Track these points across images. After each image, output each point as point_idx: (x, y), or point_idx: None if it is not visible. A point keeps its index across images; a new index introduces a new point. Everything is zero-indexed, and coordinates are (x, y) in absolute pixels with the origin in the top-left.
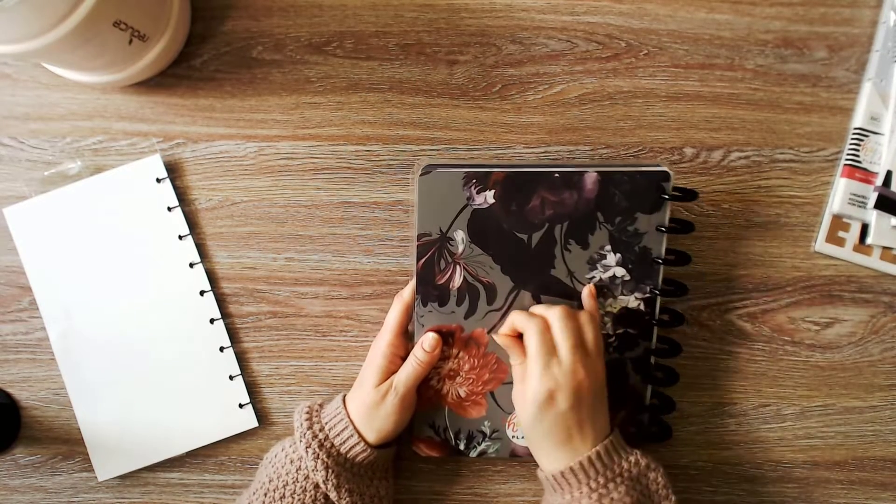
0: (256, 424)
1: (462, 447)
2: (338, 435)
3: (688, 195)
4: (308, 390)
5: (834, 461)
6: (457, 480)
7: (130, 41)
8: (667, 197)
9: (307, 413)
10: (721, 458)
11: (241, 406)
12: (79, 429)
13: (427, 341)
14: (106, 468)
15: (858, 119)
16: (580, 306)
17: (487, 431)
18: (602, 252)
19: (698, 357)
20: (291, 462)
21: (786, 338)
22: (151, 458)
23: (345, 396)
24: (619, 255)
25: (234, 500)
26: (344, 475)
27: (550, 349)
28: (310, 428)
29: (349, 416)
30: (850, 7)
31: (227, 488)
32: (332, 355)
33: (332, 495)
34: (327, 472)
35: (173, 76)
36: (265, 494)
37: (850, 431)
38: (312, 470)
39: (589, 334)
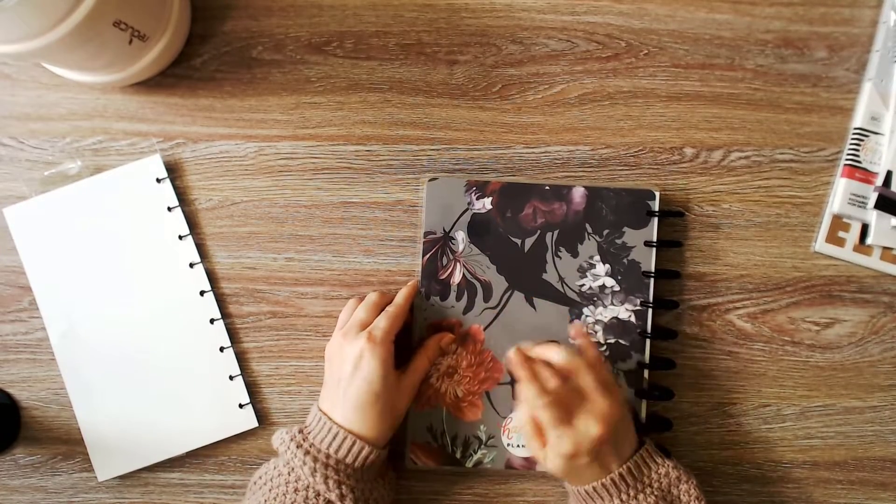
0: (256, 424)
1: (458, 455)
2: (329, 444)
3: (674, 214)
4: (308, 390)
5: (834, 461)
6: (457, 481)
7: (130, 41)
8: (655, 214)
9: (293, 441)
10: (721, 458)
11: (241, 406)
12: (79, 429)
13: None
14: (106, 468)
15: (858, 119)
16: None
17: (483, 437)
18: (591, 261)
19: (698, 357)
20: (297, 491)
21: (786, 338)
22: (151, 458)
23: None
24: (607, 265)
25: (234, 500)
26: (355, 485)
27: (560, 418)
28: (307, 453)
29: (336, 423)
30: (850, 7)
31: (227, 488)
32: None
33: None
34: (340, 488)
35: (173, 76)
36: None
37: (850, 431)
38: (325, 491)
39: (590, 378)
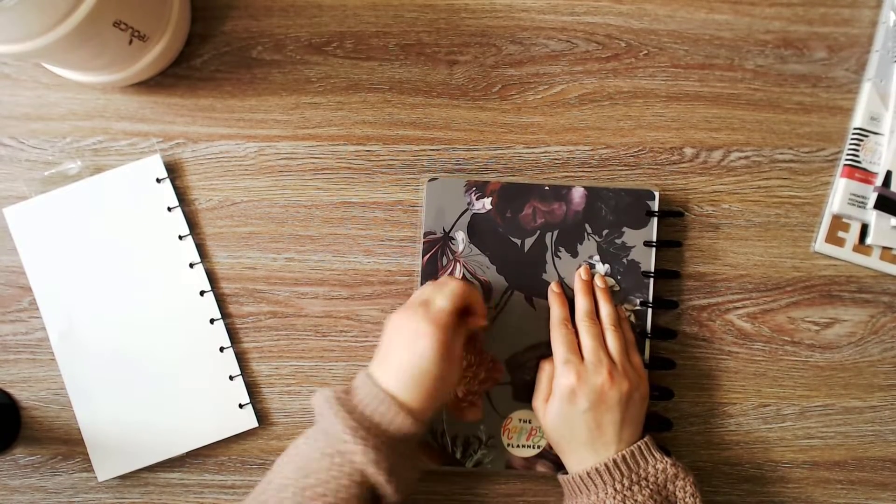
0: (256, 424)
1: (459, 455)
2: (368, 404)
3: (674, 214)
4: (308, 390)
5: (834, 461)
6: (457, 481)
7: (130, 41)
8: (654, 214)
9: (337, 400)
10: (721, 458)
11: (241, 406)
12: (79, 429)
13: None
14: (106, 468)
15: (858, 119)
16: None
17: (483, 437)
18: (591, 261)
19: (698, 357)
20: (331, 456)
21: (786, 338)
22: (151, 458)
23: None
24: (607, 265)
25: (234, 500)
26: (389, 454)
27: (572, 349)
28: (350, 413)
29: (382, 388)
30: (849, 7)
31: (227, 488)
32: (332, 355)
33: (381, 480)
34: (379, 457)
35: (173, 76)
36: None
37: (850, 431)
38: (363, 463)
39: (617, 342)
